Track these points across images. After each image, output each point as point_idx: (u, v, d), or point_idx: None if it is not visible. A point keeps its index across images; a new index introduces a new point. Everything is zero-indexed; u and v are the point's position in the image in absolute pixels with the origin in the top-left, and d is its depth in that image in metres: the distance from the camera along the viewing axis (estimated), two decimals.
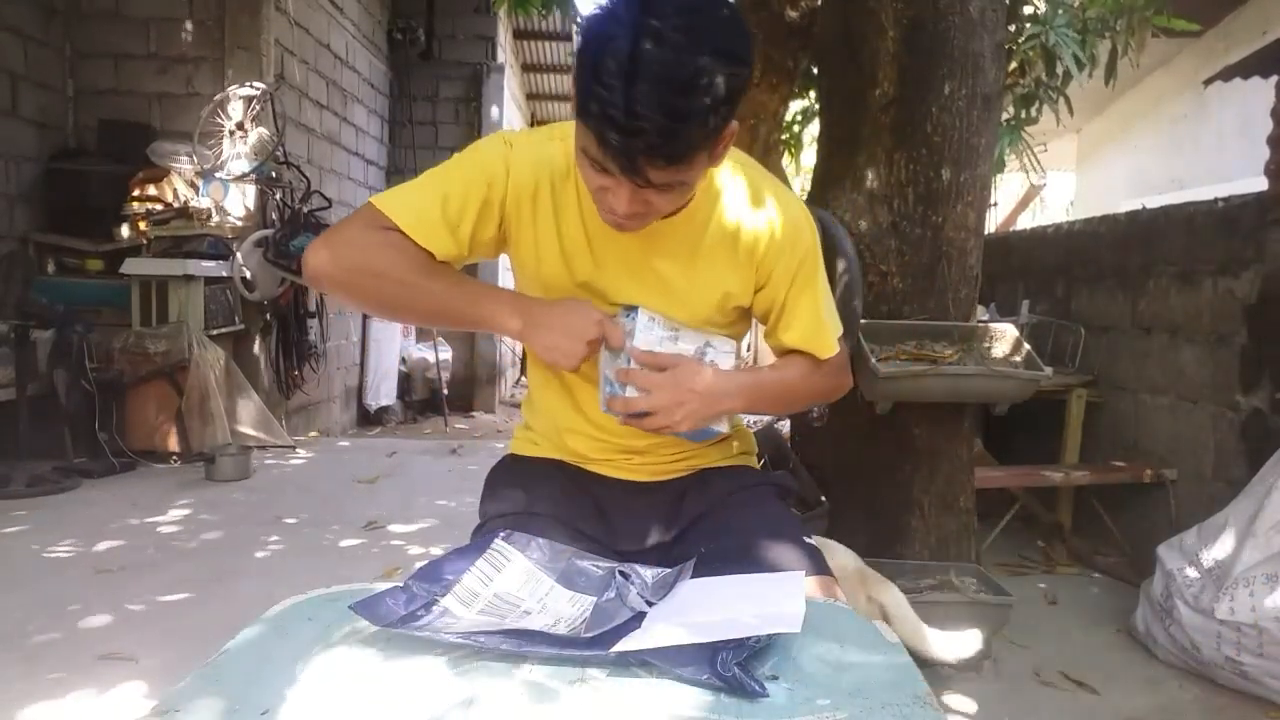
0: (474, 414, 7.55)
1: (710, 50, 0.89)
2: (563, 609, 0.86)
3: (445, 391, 7.13)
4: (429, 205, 1.06)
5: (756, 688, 0.73)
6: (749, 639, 0.77)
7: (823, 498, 2.28)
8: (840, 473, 2.40)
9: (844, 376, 1.26)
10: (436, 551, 3.07)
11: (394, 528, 3.36)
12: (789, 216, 1.14)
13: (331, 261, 1.05)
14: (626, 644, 0.77)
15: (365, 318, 6.99)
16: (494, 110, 7.68)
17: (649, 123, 0.88)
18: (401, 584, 0.86)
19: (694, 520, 1.19)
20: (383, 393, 7.02)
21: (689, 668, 0.75)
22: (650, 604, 0.85)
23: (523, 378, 9.04)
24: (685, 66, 0.88)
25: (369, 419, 6.94)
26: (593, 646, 0.78)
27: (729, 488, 1.21)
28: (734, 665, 0.74)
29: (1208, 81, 3.68)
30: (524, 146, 1.11)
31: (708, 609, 0.84)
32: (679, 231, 1.11)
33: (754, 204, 1.13)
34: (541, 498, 1.18)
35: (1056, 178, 9.35)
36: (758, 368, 1.25)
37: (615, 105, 0.87)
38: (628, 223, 1.01)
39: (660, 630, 0.79)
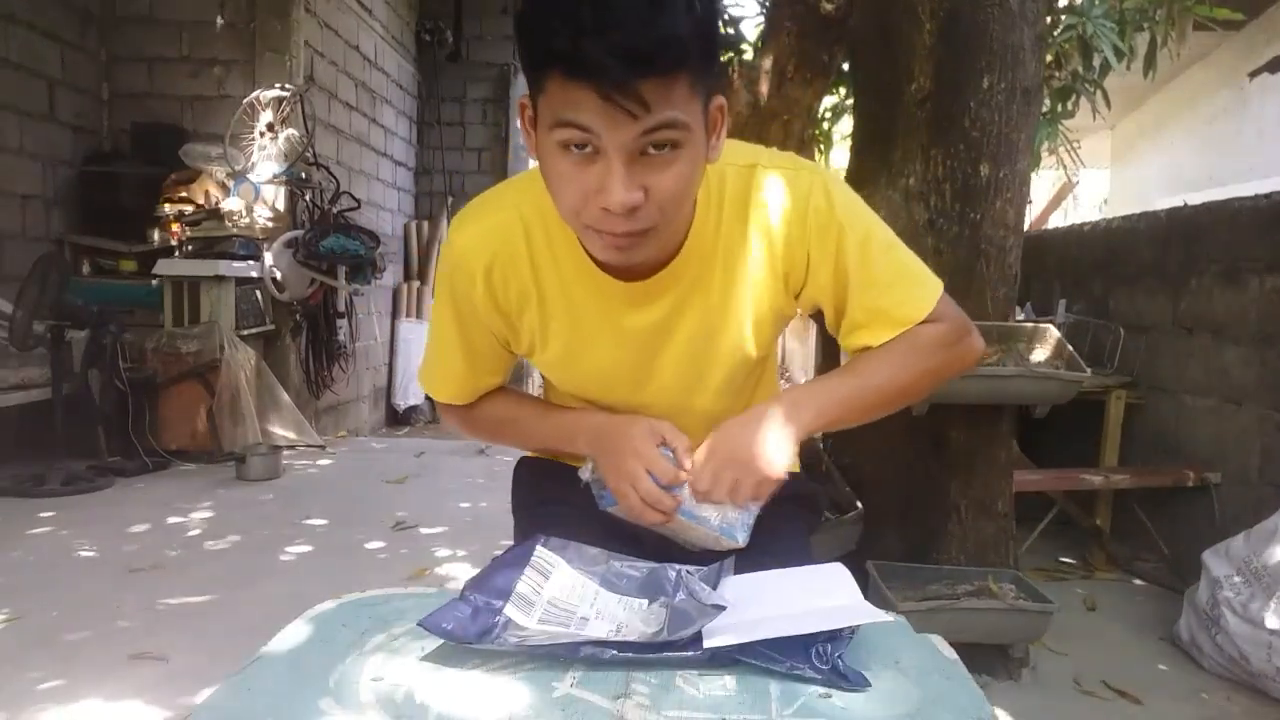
0: None
1: None
2: (617, 612, 0.84)
3: None
4: (452, 371, 1.11)
5: (860, 678, 0.73)
6: (844, 631, 0.76)
7: (857, 502, 2.24)
8: (875, 476, 2.35)
9: (963, 345, 1.03)
10: (464, 553, 3.07)
11: (422, 529, 3.36)
12: (804, 191, 0.97)
13: (463, 433, 1.20)
14: (718, 641, 0.77)
15: (393, 318, 7.03)
16: (519, 116, 7.68)
17: (624, 8, 0.76)
18: (459, 596, 0.84)
19: None
20: (411, 392, 7.05)
21: (784, 662, 0.75)
22: (722, 605, 0.83)
23: None
24: None
25: (397, 419, 6.97)
26: (688, 647, 0.77)
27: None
28: (836, 657, 0.74)
29: (1254, 73, 3.58)
30: (474, 243, 1.01)
31: (779, 603, 0.84)
32: (688, 269, 0.99)
33: (756, 192, 0.97)
34: (573, 501, 1.16)
35: (1089, 175, 9.21)
36: (830, 375, 1.04)
37: (581, 10, 0.76)
38: (629, 236, 0.86)
39: (749, 626, 0.79)
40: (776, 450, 0.94)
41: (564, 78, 0.79)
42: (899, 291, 1.00)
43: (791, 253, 0.99)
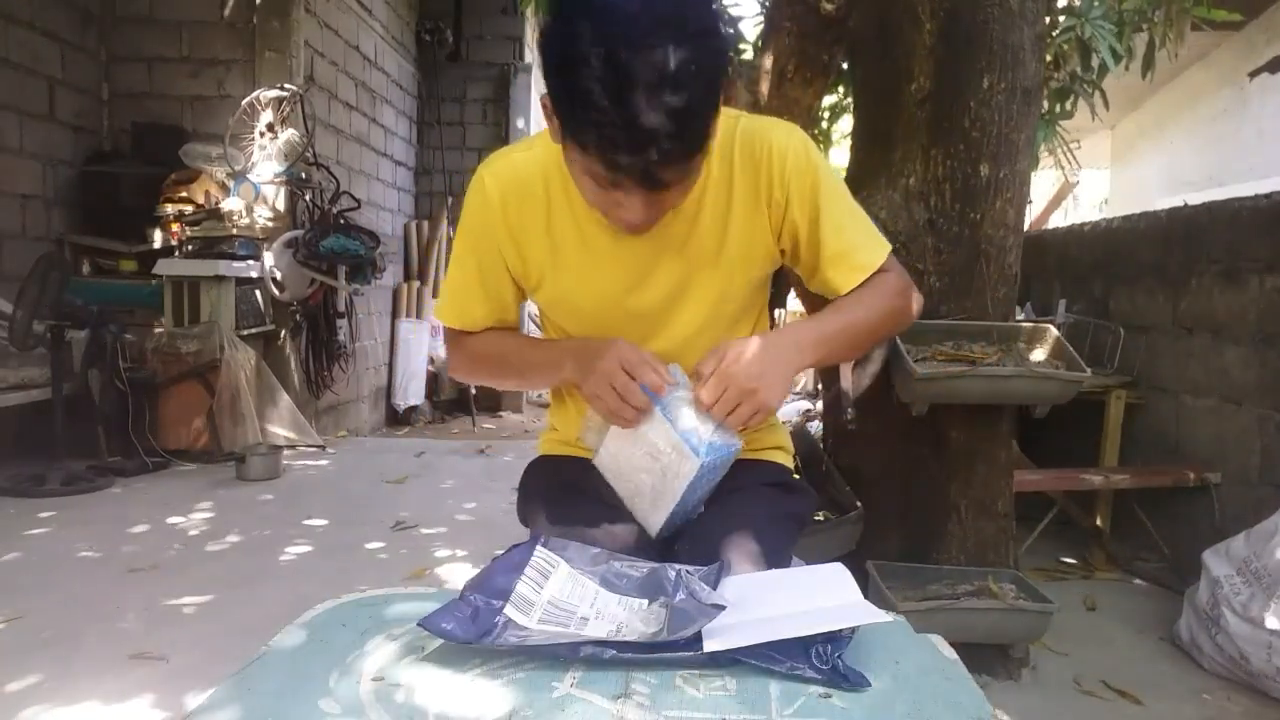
0: (501, 414, 7.56)
1: (686, 31, 0.86)
2: (617, 613, 0.84)
3: (473, 391, 7.14)
4: (467, 299, 1.19)
5: (860, 678, 0.73)
6: (844, 631, 0.77)
7: (857, 502, 2.24)
8: (875, 476, 2.35)
9: (909, 296, 1.18)
10: (463, 553, 3.07)
11: (422, 529, 3.36)
12: (783, 136, 1.11)
13: (460, 375, 1.27)
14: (718, 643, 0.77)
15: (393, 318, 7.03)
16: (520, 115, 7.69)
17: (656, 130, 0.86)
18: (459, 596, 0.84)
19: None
20: (411, 392, 7.04)
21: (785, 662, 0.75)
22: (722, 605, 0.83)
23: None
24: (670, 59, 0.85)
25: (397, 419, 6.97)
26: (688, 647, 0.78)
27: (741, 481, 1.16)
28: (836, 657, 0.74)
29: (1254, 73, 3.58)
30: (497, 175, 1.14)
31: (779, 603, 0.84)
32: (682, 205, 1.08)
33: (740, 138, 1.10)
34: (575, 498, 1.17)
35: (1089, 175, 9.22)
36: (814, 316, 1.16)
37: (615, 125, 0.86)
38: (643, 227, 1.01)
39: (749, 627, 0.79)
40: (779, 382, 1.02)
41: (606, 167, 0.90)
42: (863, 238, 1.14)
43: (771, 190, 1.10)
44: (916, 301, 1.19)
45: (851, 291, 1.13)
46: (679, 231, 1.11)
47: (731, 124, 1.10)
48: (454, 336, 1.24)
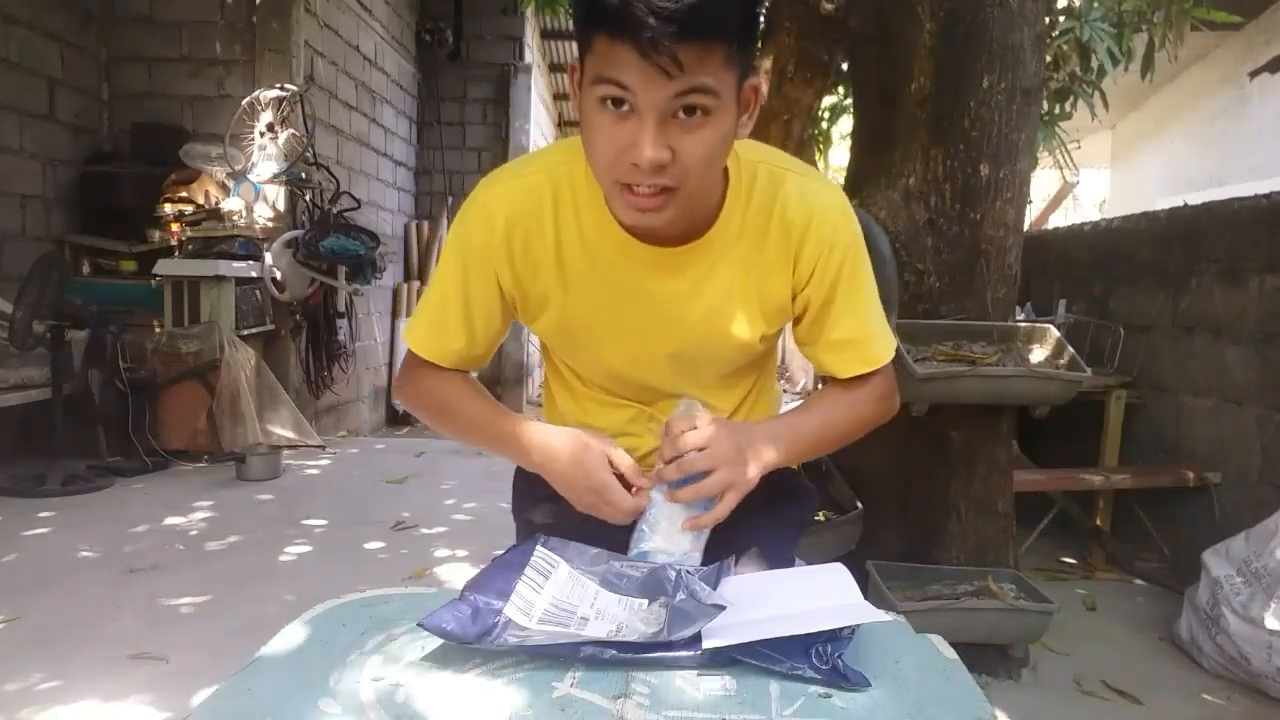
0: None
1: None
2: (617, 613, 0.84)
3: None
4: (446, 327, 1.08)
5: (860, 678, 0.73)
6: (844, 631, 0.77)
7: (857, 502, 2.24)
8: (875, 476, 2.35)
9: (892, 400, 1.13)
10: (464, 553, 3.07)
11: (422, 529, 3.36)
12: (826, 207, 1.04)
13: (404, 404, 1.16)
14: (718, 641, 0.77)
15: (393, 318, 7.03)
16: (520, 115, 7.69)
17: None
18: (459, 596, 0.84)
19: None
20: None
21: (784, 662, 0.75)
22: (722, 605, 0.83)
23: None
24: None
25: (397, 419, 6.97)
26: (688, 647, 0.77)
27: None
28: (836, 657, 0.74)
29: (1254, 73, 3.58)
30: (506, 199, 1.04)
31: (779, 603, 0.84)
32: (711, 249, 1.03)
33: (784, 197, 1.03)
34: (565, 505, 1.15)
35: (1090, 175, 9.21)
36: (794, 412, 1.12)
37: None
38: (653, 196, 0.90)
39: (748, 626, 0.79)
40: (752, 466, 0.99)
41: (608, 36, 0.84)
42: (873, 328, 1.09)
43: (800, 255, 1.04)
44: (896, 403, 1.14)
45: (840, 391, 1.11)
46: (704, 269, 1.04)
47: (780, 175, 1.04)
48: (414, 365, 1.13)
